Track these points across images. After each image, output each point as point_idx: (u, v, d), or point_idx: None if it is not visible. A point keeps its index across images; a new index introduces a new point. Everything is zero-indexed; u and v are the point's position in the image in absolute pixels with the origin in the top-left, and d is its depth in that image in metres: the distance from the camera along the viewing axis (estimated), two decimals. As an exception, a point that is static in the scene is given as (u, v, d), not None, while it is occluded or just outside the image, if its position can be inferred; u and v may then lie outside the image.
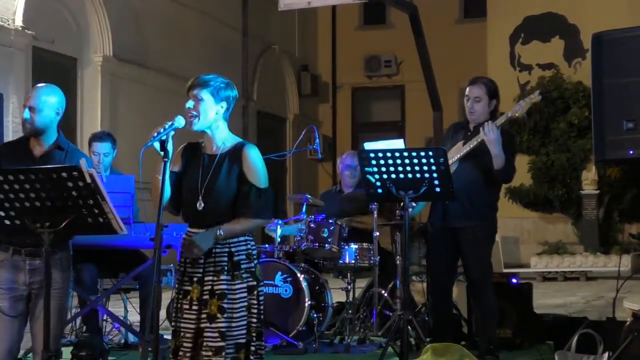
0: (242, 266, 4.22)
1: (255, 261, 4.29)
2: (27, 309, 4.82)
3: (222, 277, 4.17)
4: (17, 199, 4.18)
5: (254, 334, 4.23)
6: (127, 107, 13.69)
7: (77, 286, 6.34)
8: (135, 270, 6.51)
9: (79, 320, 7.05)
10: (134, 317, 7.42)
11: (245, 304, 4.20)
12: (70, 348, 6.59)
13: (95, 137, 7.09)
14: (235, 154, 4.25)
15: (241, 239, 4.25)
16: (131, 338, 7.21)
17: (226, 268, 4.18)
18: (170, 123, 4.14)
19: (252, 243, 4.31)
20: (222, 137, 4.31)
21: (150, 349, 4.03)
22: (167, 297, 4.53)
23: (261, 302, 4.29)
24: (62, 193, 4.13)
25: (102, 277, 6.97)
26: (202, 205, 4.21)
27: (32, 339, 4.82)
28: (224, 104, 4.27)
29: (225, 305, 4.15)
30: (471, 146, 6.02)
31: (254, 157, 4.25)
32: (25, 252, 4.75)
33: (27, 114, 4.83)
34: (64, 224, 4.18)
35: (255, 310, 4.23)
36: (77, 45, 13.08)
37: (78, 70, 13.13)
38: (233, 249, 4.21)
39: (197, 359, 4.16)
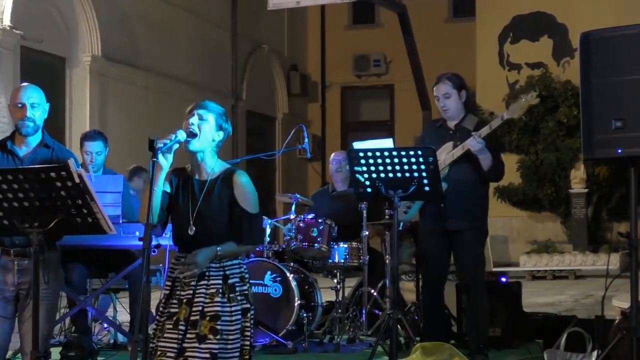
0: (237, 289, 4.24)
1: (248, 284, 4.31)
2: (16, 310, 4.81)
3: (216, 300, 4.17)
4: (5, 199, 4.17)
5: (246, 357, 4.25)
6: (116, 107, 13.66)
7: (66, 286, 6.32)
8: (125, 270, 6.49)
9: (67, 320, 7.03)
10: (123, 317, 7.41)
11: (240, 326, 4.22)
12: (59, 348, 6.58)
13: (87, 136, 7.06)
14: (226, 180, 4.26)
15: (235, 262, 4.27)
16: (120, 338, 7.19)
17: (221, 290, 4.20)
18: (174, 136, 4.16)
19: (245, 267, 4.33)
20: (212, 164, 4.31)
21: (139, 349, 4.02)
22: (156, 297, 4.51)
23: (252, 325, 4.31)
24: (50, 193, 4.13)
25: (91, 277, 6.94)
26: (194, 230, 4.22)
27: (21, 339, 4.81)
28: (221, 134, 4.31)
29: (219, 327, 4.15)
30: (458, 154, 6.01)
31: (245, 184, 4.27)
32: (14, 253, 4.73)
33: (31, 112, 4.81)
34: (52, 224, 4.17)
35: (248, 333, 4.26)
36: (66, 45, 13.05)
37: (66, 70, 13.10)
38: (228, 272, 4.23)
39: None
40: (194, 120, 4.23)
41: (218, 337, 4.14)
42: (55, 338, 6.93)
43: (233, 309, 4.20)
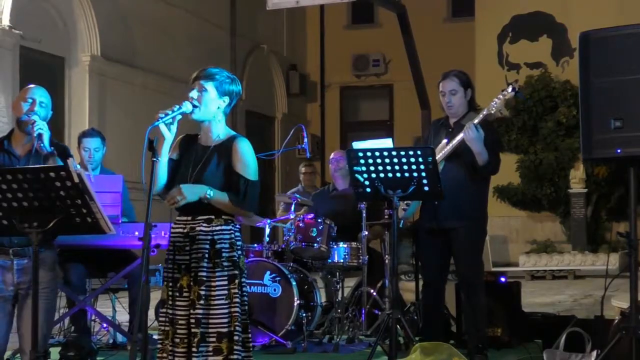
0: (224, 254, 4.24)
1: (239, 252, 4.30)
2: (14, 309, 4.81)
3: (202, 264, 4.21)
4: (5, 199, 4.17)
5: (237, 324, 4.22)
6: (114, 107, 13.66)
7: (65, 286, 6.32)
8: (124, 270, 6.49)
9: (67, 320, 7.03)
10: (123, 317, 7.41)
11: (225, 292, 4.21)
12: (59, 348, 6.57)
13: (85, 134, 7.09)
14: (226, 146, 4.31)
15: (225, 227, 4.28)
16: (120, 338, 7.18)
17: (207, 255, 4.21)
18: (178, 107, 4.21)
19: (238, 234, 4.34)
20: (219, 131, 4.37)
21: (138, 348, 4.02)
22: (155, 296, 4.51)
23: (244, 293, 4.30)
24: (50, 193, 4.12)
25: (90, 277, 6.94)
26: None
27: (20, 339, 4.81)
28: (227, 99, 4.36)
29: (202, 292, 4.18)
30: (453, 146, 6.00)
31: (244, 150, 4.30)
32: (13, 253, 4.73)
33: (39, 109, 4.82)
34: (52, 224, 4.17)
35: (237, 300, 4.24)
36: (65, 44, 13.04)
37: (65, 70, 13.09)
38: (216, 237, 4.25)
39: (192, 345, 4.19)
40: (194, 93, 4.28)
41: (202, 302, 4.17)
42: (54, 338, 6.94)
43: (217, 274, 4.20)
